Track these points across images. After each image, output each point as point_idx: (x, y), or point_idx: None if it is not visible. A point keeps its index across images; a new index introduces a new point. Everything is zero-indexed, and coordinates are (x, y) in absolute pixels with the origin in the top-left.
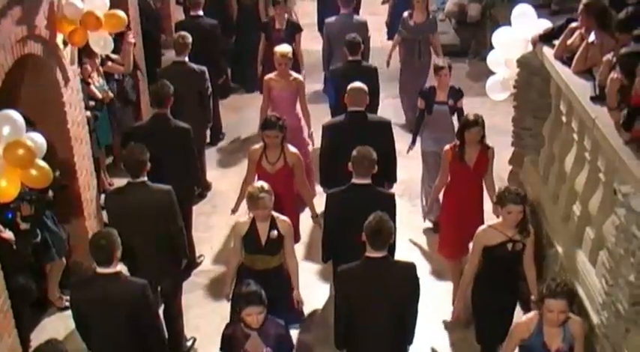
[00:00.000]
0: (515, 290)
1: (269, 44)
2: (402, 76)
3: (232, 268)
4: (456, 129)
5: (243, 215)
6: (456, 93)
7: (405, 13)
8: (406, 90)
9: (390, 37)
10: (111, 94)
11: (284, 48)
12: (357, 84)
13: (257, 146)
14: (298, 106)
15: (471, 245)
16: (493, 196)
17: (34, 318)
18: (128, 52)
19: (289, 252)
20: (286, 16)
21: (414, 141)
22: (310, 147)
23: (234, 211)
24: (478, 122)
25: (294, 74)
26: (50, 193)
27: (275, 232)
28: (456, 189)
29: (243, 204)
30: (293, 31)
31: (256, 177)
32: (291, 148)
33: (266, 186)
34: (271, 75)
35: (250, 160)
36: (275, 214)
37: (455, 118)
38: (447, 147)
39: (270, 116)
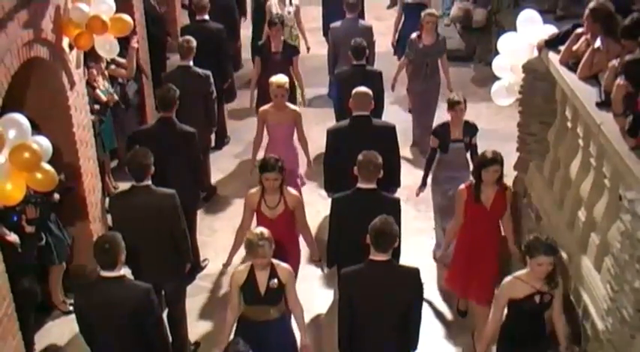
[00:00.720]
0: (543, 341)
1: (265, 68)
2: (410, 98)
3: (230, 323)
4: (470, 166)
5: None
6: (471, 129)
7: (413, 35)
8: (417, 115)
9: (399, 57)
10: (116, 97)
11: (280, 78)
12: (362, 88)
13: (254, 190)
14: (295, 139)
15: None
16: (511, 239)
17: (38, 321)
18: (131, 56)
19: (293, 300)
20: (282, 37)
21: (424, 183)
22: (304, 170)
23: (226, 265)
24: (497, 160)
25: (292, 106)
26: (56, 196)
27: (275, 281)
28: (470, 230)
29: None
30: (290, 54)
31: (255, 222)
32: (292, 190)
33: (266, 232)
34: (266, 106)
35: (247, 206)
36: (275, 261)
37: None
38: (462, 186)
39: (268, 158)
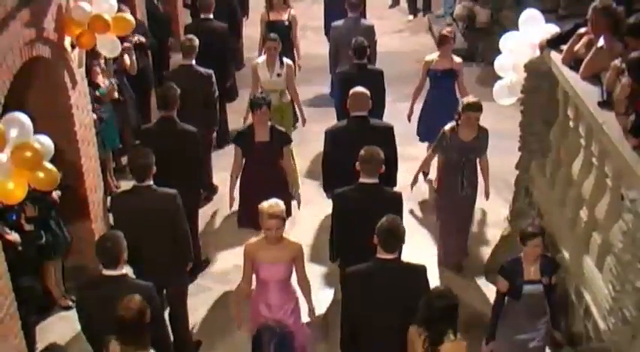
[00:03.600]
0: None
1: (248, 162)
2: (442, 208)
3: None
4: (549, 314)
5: None
6: (550, 265)
7: (447, 127)
8: (448, 229)
9: (421, 137)
10: (115, 95)
11: (273, 206)
12: (359, 89)
13: None
14: (294, 280)
15: None
16: None
17: (41, 320)
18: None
19: None
20: (269, 123)
21: (492, 336)
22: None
23: None
24: None
25: (290, 238)
26: (55, 194)
27: None
28: None
29: None
30: (280, 144)
31: None
32: None
33: None
34: (255, 240)
35: None
36: None
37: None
38: None
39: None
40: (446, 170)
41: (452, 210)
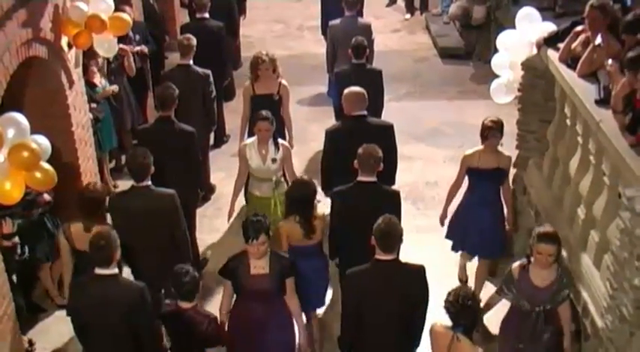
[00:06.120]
0: None
1: (242, 300)
2: None
3: None
4: None
5: None
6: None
7: (516, 265)
8: None
9: (455, 247)
10: (116, 89)
11: None
12: (354, 88)
13: None
14: None
15: None
16: None
17: (37, 320)
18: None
19: None
20: (269, 250)
21: None
22: None
23: None
24: None
25: None
26: (46, 196)
27: None
28: None
29: None
30: (282, 276)
31: None
32: None
33: None
34: None
35: None
36: None
37: None
38: None
39: None
40: (512, 316)
41: None
